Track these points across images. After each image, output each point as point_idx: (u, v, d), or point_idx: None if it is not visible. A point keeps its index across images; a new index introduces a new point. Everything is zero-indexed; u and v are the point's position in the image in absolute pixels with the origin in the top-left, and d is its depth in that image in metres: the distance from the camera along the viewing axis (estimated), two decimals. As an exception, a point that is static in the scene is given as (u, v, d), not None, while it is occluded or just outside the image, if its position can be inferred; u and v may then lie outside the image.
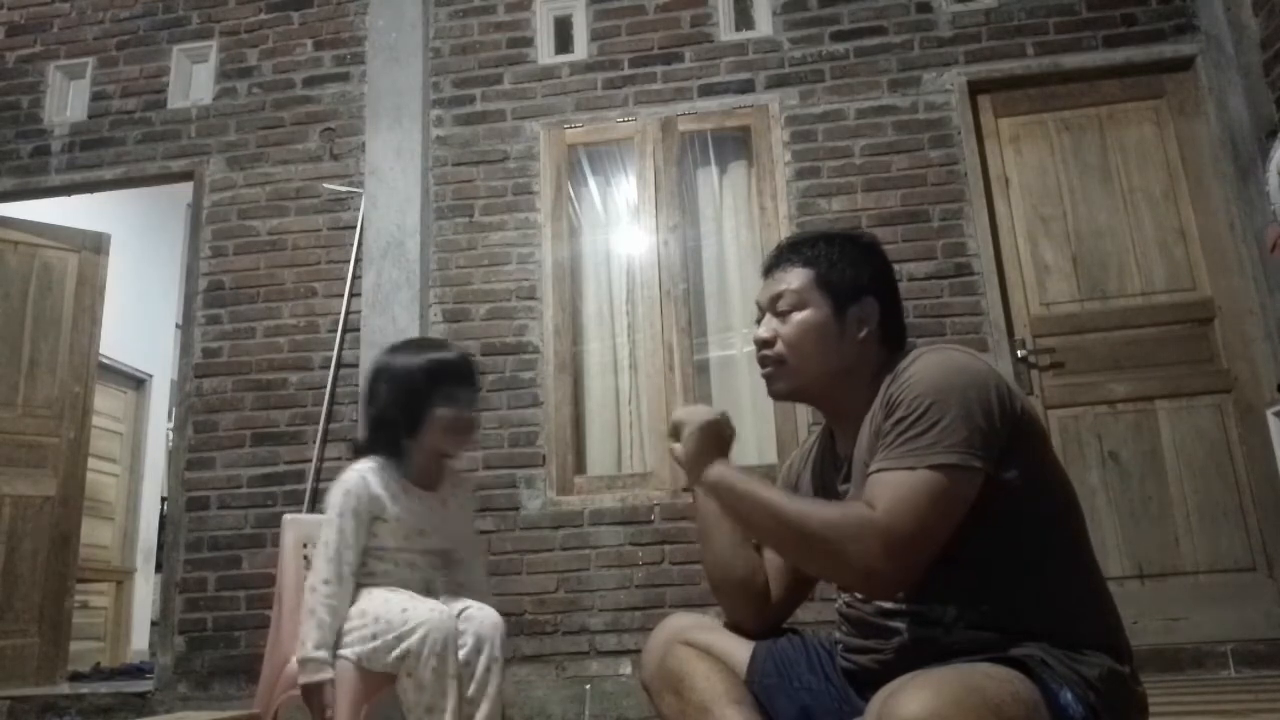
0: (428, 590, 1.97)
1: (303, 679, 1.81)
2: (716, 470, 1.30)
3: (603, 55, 3.94)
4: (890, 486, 1.13)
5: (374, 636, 1.79)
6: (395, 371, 1.97)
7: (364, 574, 1.93)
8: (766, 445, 3.53)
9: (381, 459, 1.97)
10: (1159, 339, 3.46)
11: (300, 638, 1.83)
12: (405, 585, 1.93)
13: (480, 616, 1.87)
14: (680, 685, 1.33)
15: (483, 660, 1.82)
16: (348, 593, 1.86)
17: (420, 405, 1.93)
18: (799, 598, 1.45)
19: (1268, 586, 3.19)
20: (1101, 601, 1.20)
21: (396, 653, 1.75)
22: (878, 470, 1.17)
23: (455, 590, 2.02)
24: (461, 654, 1.81)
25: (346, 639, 1.83)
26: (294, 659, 1.88)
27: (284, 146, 4.03)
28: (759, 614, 1.41)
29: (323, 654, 1.80)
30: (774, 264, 1.40)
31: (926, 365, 1.21)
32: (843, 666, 1.31)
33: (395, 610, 1.79)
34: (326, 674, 1.80)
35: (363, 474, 1.92)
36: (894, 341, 1.35)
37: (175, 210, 5.70)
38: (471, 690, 1.81)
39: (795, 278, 1.35)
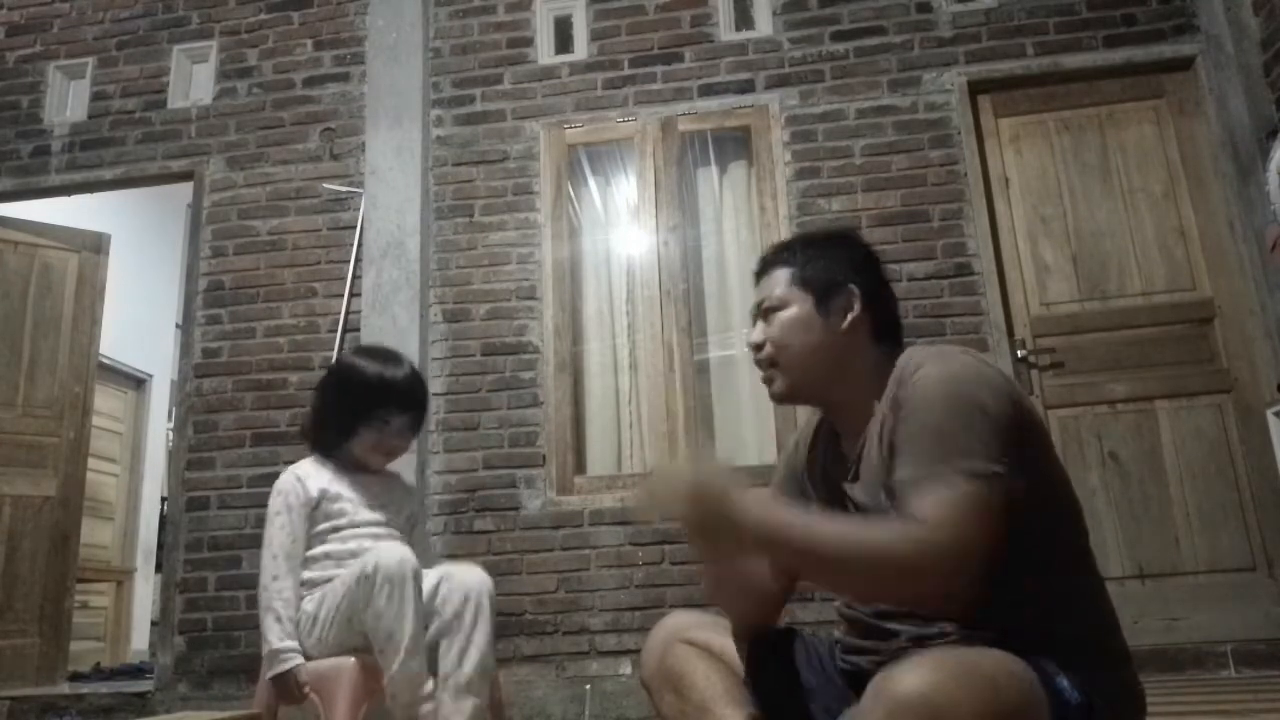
0: None
1: (272, 672, 1.86)
2: (747, 515, 1.12)
3: (603, 55, 3.94)
4: (930, 500, 1.10)
5: (345, 588, 1.83)
6: (343, 378, 2.09)
7: (335, 562, 1.96)
8: (767, 445, 3.53)
9: (319, 455, 2.08)
10: (1159, 339, 3.46)
11: (262, 634, 1.89)
12: None
13: (463, 572, 1.94)
14: (680, 684, 1.32)
15: (470, 611, 1.88)
16: (296, 582, 1.94)
17: (354, 419, 2.04)
18: (792, 591, 1.44)
19: (1268, 586, 3.19)
20: (1100, 604, 1.20)
21: (356, 583, 1.80)
22: (910, 482, 1.13)
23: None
24: (449, 608, 1.87)
25: (326, 623, 1.87)
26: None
27: (284, 146, 4.03)
28: (765, 624, 1.40)
29: (287, 643, 1.86)
30: (759, 271, 1.42)
31: (939, 370, 1.19)
32: (841, 668, 1.30)
33: (353, 565, 1.85)
34: (294, 661, 1.86)
35: (294, 473, 2.02)
36: (888, 336, 1.34)
37: (175, 210, 5.70)
38: (460, 642, 1.85)
39: (777, 280, 1.37)
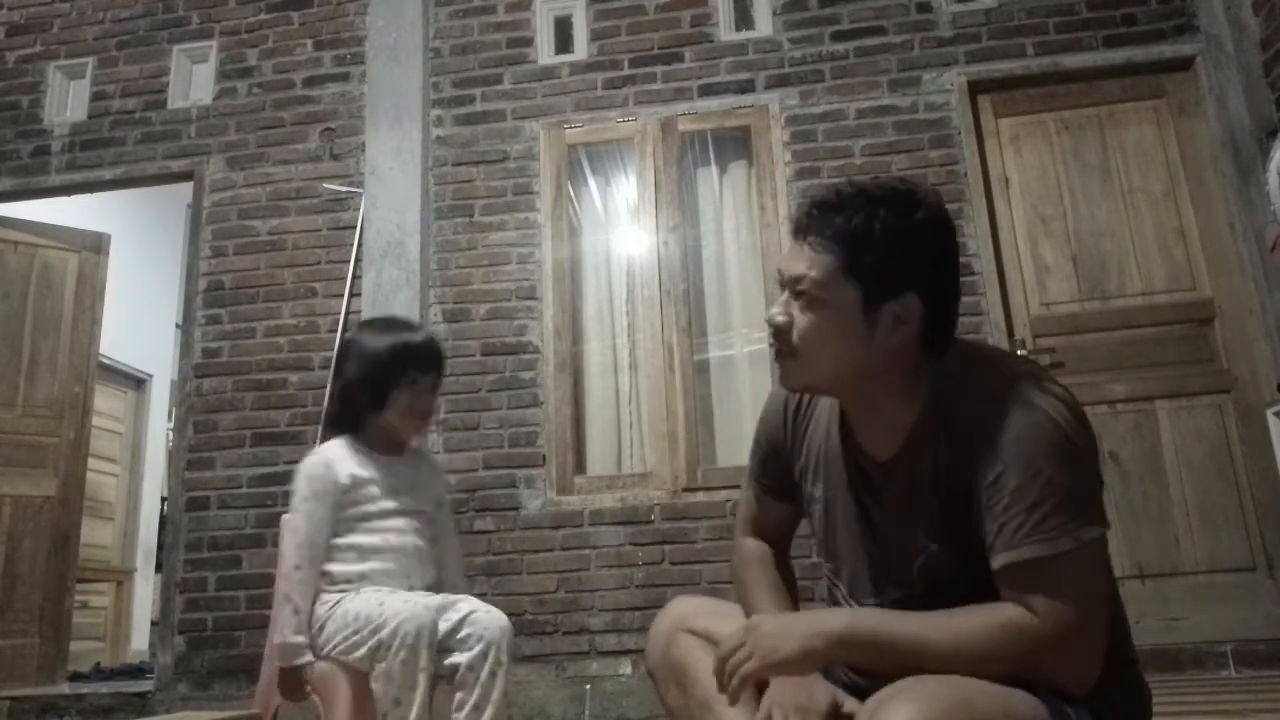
0: (420, 563, 1.98)
1: (282, 663, 1.83)
2: (833, 633, 1.05)
3: (603, 55, 3.94)
4: (1039, 589, 1.01)
5: (355, 633, 1.80)
6: (362, 350, 2.02)
7: (359, 555, 1.93)
8: (766, 445, 3.52)
9: (346, 437, 2.02)
10: (1159, 339, 3.46)
11: (277, 625, 1.86)
12: (400, 558, 1.95)
13: (487, 620, 1.87)
14: (684, 678, 1.29)
15: (488, 665, 1.83)
16: (317, 574, 1.90)
17: (381, 386, 1.97)
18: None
19: (1268, 586, 3.19)
20: (1115, 609, 1.14)
21: (370, 644, 1.77)
22: (1017, 566, 1.02)
23: (438, 568, 2.04)
24: (467, 658, 1.82)
25: (334, 640, 1.84)
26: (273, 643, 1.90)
27: (284, 146, 4.03)
28: None
29: (300, 639, 1.83)
30: (803, 228, 1.14)
31: (1023, 411, 1.04)
32: (843, 681, 1.25)
33: (373, 605, 1.81)
34: (306, 657, 1.83)
35: (324, 455, 1.97)
36: (940, 339, 1.13)
37: (175, 210, 5.70)
38: (476, 695, 1.81)
39: (821, 261, 1.10)
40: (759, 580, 1.31)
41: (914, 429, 1.13)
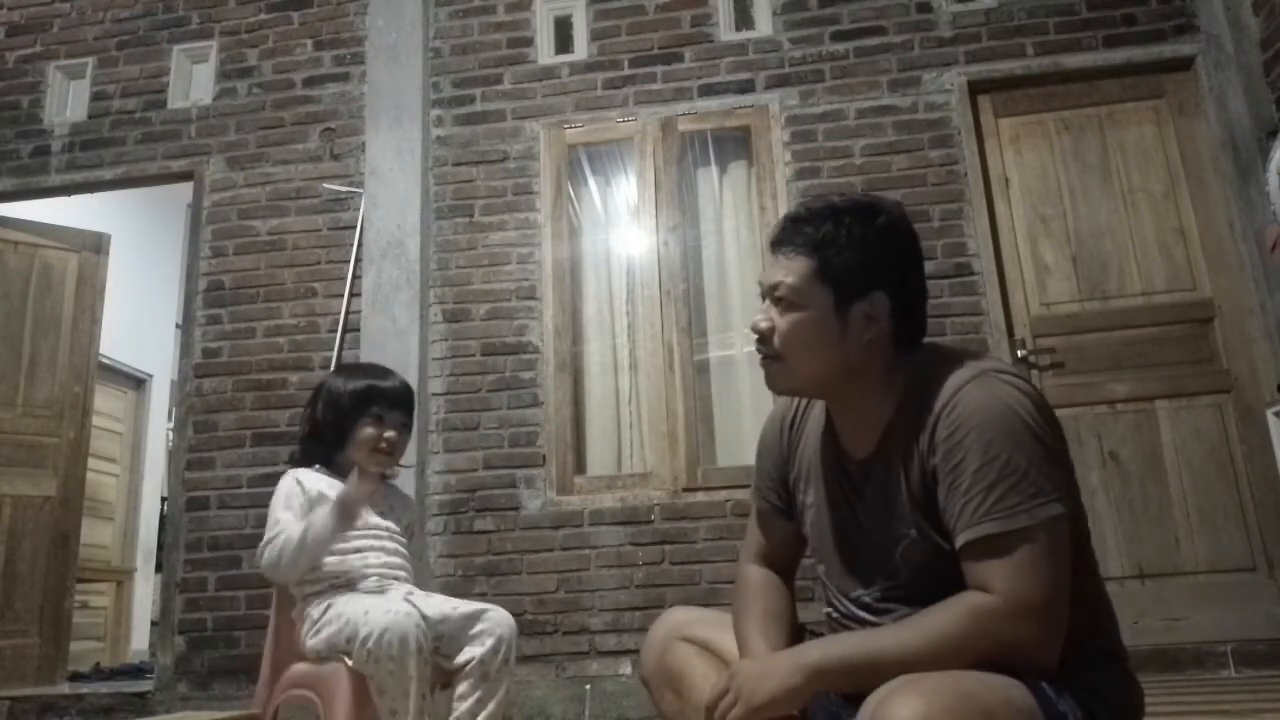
0: (403, 558, 2.05)
1: (353, 498, 1.89)
2: (810, 666, 1.10)
3: (603, 55, 3.94)
4: (999, 569, 1.04)
5: (339, 629, 1.84)
6: (331, 390, 2.08)
7: (339, 557, 1.96)
8: (766, 445, 3.52)
9: (317, 466, 2.08)
10: (1159, 339, 3.46)
11: (324, 524, 1.87)
12: (382, 554, 2.00)
13: (498, 618, 1.96)
14: (680, 684, 1.30)
15: (498, 660, 1.91)
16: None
17: (347, 423, 2.04)
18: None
19: (1268, 586, 3.19)
20: (1099, 602, 1.18)
21: (356, 648, 1.80)
22: (976, 544, 1.07)
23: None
24: (480, 652, 1.89)
25: (324, 640, 1.87)
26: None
27: (284, 146, 4.03)
28: None
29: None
30: (778, 240, 1.24)
31: (986, 402, 1.10)
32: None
33: (358, 611, 1.84)
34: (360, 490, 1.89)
35: (294, 476, 2.03)
36: (910, 339, 1.23)
37: (175, 210, 5.70)
38: (482, 689, 1.87)
39: (795, 268, 1.20)
40: (753, 609, 1.31)
41: (888, 425, 1.20)
